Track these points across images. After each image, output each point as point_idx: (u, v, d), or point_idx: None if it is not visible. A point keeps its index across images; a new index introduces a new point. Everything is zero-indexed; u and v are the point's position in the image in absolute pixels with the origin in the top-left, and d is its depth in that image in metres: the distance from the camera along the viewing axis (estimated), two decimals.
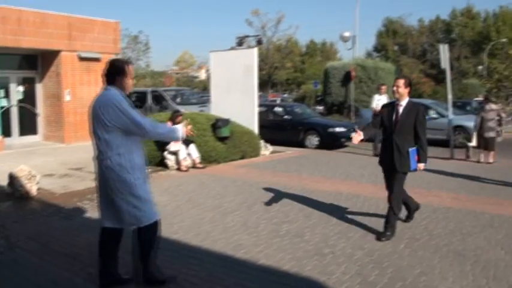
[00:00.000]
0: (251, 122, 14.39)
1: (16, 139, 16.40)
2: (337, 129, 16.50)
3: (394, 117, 6.22)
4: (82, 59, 17.12)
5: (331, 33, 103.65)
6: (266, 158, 13.79)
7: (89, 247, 5.85)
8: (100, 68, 17.92)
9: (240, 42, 15.62)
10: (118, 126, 4.32)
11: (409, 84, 6.22)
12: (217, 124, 12.71)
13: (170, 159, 11.88)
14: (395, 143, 6.13)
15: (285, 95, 49.59)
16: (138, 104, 22.22)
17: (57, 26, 16.26)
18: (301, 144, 16.60)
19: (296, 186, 9.49)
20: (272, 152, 14.70)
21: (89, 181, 10.30)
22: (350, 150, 16.02)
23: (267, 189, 9.18)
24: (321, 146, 16.32)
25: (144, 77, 51.75)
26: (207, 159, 12.32)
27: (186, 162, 11.63)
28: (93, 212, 7.59)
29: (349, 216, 7.33)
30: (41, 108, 17.29)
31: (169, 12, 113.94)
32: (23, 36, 15.06)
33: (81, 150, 15.07)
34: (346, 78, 26.65)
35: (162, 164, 12.00)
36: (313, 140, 16.49)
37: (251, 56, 14.58)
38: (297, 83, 58.95)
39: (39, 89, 17.27)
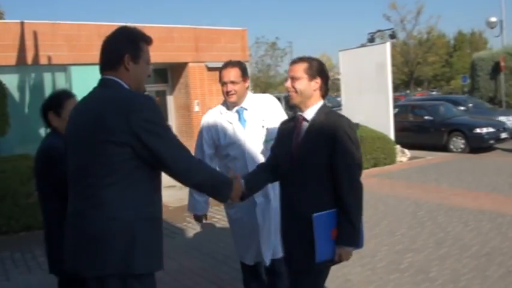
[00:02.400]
0: (386, 124, 12.97)
1: None
2: (485, 130, 14.20)
3: (291, 146, 2.96)
4: (210, 69, 16.94)
5: (479, 22, 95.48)
6: (402, 165, 12.25)
7: (176, 274, 5.29)
8: None
9: (372, 38, 14.32)
10: None
11: (318, 72, 2.92)
12: None
13: None
14: (292, 200, 2.93)
15: (433, 93, 46.39)
16: None
17: (183, 39, 16.20)
18: (444, 148, 14.66)
19: (432, 201, 8.01)
20: (410, 158, 13.10)
21: None
22: (500, 154, 13.85)
23: (396, 205, 7.86)
24: (467, 149, 14.24)
25: (283, 83, 51.65)
26: None
27: None
28: (197, 230, 7.15)
29: (490, 244, 5.78)
30: (172, 119, 17.38)
31: (306, 16, 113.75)
32: None
33: None
34: (495, 69, 23.61)
35: None
36: (458, 142, 14.39)
37: (383, 52, 13.17)
38: (445, 78, 54.95)
39: (170, 101, 17.40)
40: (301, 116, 2.95)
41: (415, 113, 15.99)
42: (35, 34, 12.72)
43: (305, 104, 2.92)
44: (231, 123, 3.77)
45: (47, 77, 12.91)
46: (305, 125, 2.91)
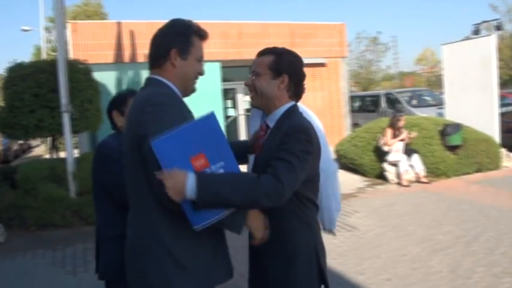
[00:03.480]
0: (491, 125, 11.97)
1: None
2: None
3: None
4: (306, 65, 16.55)
5: None
6: (508, 171, 11.14)
7: None
8: (326, 73, 17.48)
9: (476, 30, 13.30)
10: None
11: (286, 68, 2.37)
12: (446, 130, 10.75)
13: (390, 172, 10.43)
14: None
15: None
16: (371, 108, 21.07)
17: (279, 35, 16.11)
18: None
19: None
20: None
21: None
22: None
23: (498, 218, 7.09)
24: None
25: (387, 80, 50.10)
26: (434, 172, 10.47)
27: (407, 176, 10.03)
28: None
29: None
30: None
31: (409, 9, 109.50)
32: (244, 49, 15.17)
33: None
34: None
35: (381, 176, 10.62)
36: None
37: (488, 45, 12.14)
38: None
39: None
40: (265, 123, 2.40)
41: None
42: (132, 33, 13.12)
43: (268, 106, 2.37)
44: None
45: (144, 74, 13.24)
46: (267, 133, 2.37)
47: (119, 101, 3.06)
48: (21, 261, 6.42)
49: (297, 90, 2.39)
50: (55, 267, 6.10)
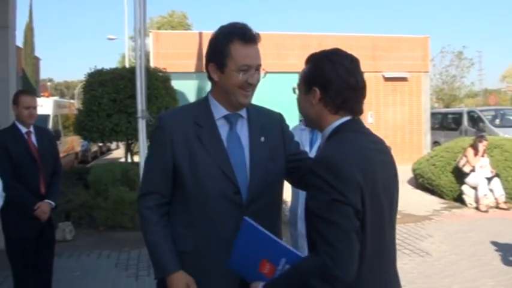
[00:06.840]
0: None
1: None
2: None
3: None
4: (387, 79, 16.33)
5: None
6: None
7: None
8: (407, 87, 17.03)
9: None
10: None
11: (317, 77, 1.82)
12: None
13: (469, 195, 9.88)
14: None
15: None
16: (453, 126, 20.28)
17: (361, 47, 15.82)
18: None
19: None
20: None
21: None
22: None
23: None
24: None
25: (471, 96, 48.01)
26: None
27: (486, 201, 9.47)
28: None
29: None
30: None
31: (497, 22, 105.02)
32: None
33: None
34: None
35: (459, 199, 10.09)
36: None
37: None
38: None
39: None
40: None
41: None
42: None
43: (318, 128, 1.91)
44: None
45: None
46: None
47: None
48: (86, 260, 6.56)
49: (342, 103, 1.79)
50: (118, 269, 6.16)
